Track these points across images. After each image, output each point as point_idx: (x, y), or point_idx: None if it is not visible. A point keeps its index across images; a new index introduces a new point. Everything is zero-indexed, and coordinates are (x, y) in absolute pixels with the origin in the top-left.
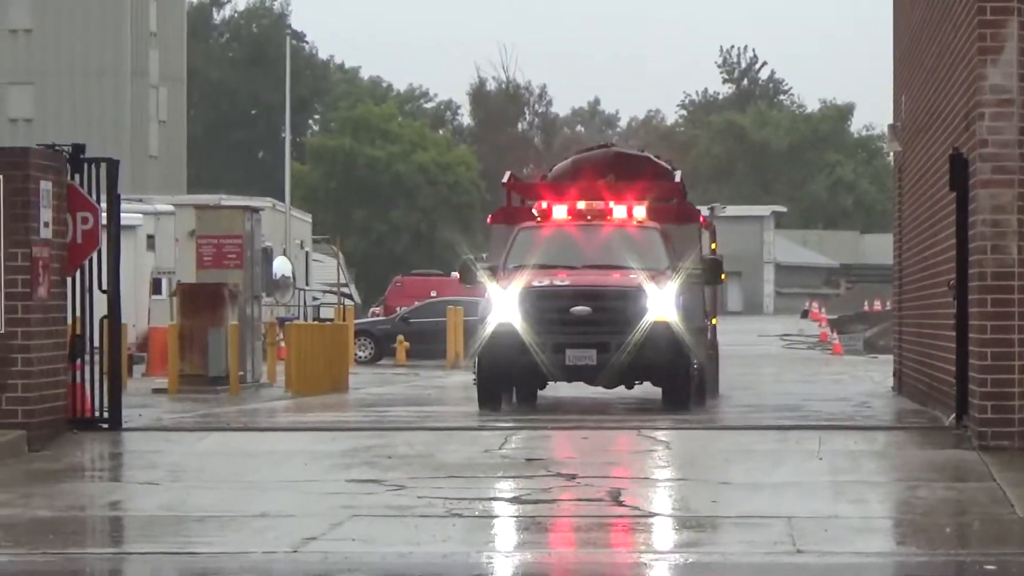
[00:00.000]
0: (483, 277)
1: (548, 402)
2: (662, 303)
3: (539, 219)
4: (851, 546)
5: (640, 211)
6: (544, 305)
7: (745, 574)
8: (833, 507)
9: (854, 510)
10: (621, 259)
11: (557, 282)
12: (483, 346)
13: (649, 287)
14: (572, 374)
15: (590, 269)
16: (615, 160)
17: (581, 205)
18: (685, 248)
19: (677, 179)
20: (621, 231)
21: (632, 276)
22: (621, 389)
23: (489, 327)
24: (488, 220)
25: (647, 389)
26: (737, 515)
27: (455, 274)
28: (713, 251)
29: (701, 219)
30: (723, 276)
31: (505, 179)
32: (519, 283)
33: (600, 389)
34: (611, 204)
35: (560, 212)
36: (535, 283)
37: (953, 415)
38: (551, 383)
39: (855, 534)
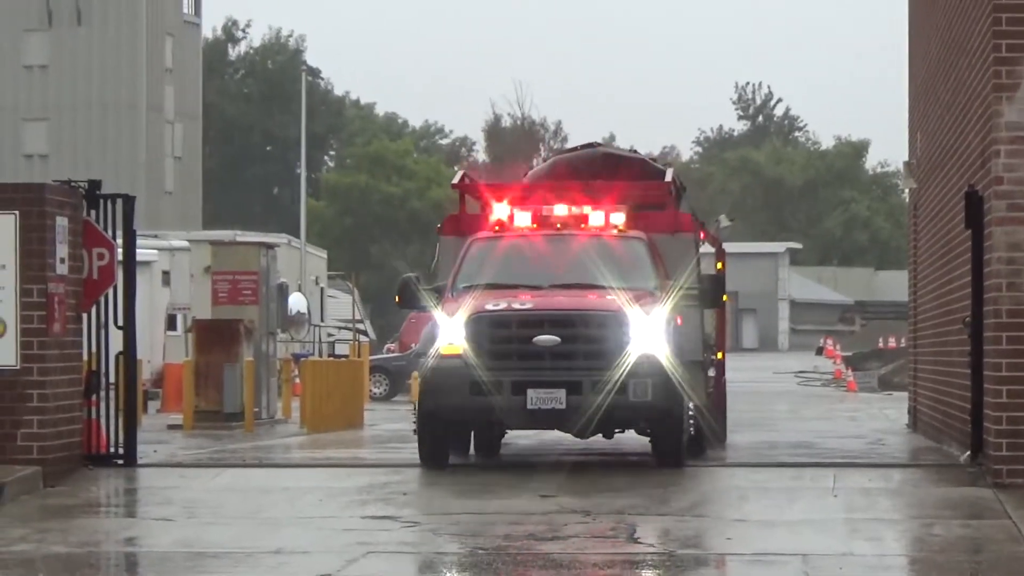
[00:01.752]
0: (427, 300)
1: (512, 451)
2: (648, 331)
3: (497, 228)
4: None
5: (619, 217)
6: (500, 334)
7: None
8: (848, 544)
9: (869, 548)
10: (598, 277)
11: (517, 305)
12: (425, 385)
13: (632, 311)
14: (536, 420)
15: (558, 289)
16: (603, 161)
17: (548, 211)
18: (678, 263)
19: (668, 178)
20: (598, 242)
21: (611, 298)
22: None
23: (432, 362)
24: (437, 230)
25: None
26: (752, 552)
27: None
28: (719, 271)
29: (699, 229)
30: (725, 297)
31: (456, 180)
32: (470, 307)
33: (573, 436)
34: (586, 209)
35: (523, 219)
36: (489, 306)
37: (968, 452)
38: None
39: (870, 572)
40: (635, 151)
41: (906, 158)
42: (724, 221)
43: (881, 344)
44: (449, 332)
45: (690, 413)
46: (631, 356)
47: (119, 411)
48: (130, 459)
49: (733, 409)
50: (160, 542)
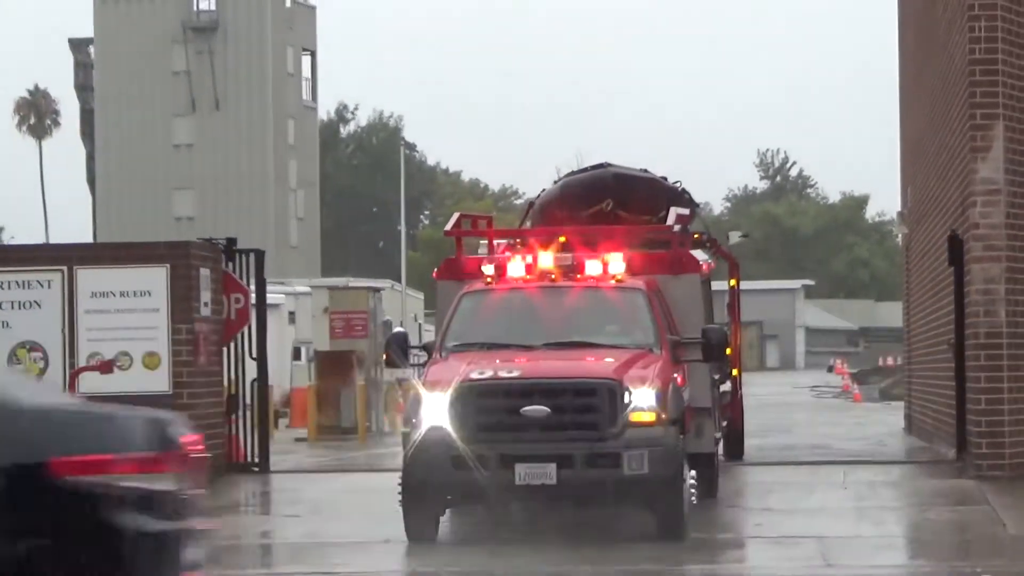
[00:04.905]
0: (414, 360)
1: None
2: (644, 397)
3: (488, 280)
4: (872, 560)
5: (618, 266)
6: (486, 404)
7: None
8: (857, 528)
9: (874, 530)
10: (593, 333)
11: (503, 372)
12: (409, 457)
13: (627, 376)
14: (524, 496)
15: (551, 350)
16: (613, 183)
17: (542, 259)
18: (686, 304)
19: (671, 220)
20: (594, 294)
21: (605, 361)
22: None
23: (417, 432)
24: (434, 275)
25: None
26: (777, 535)
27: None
28: (732, 287)
29: (705, 266)
30: (728, 351)
31: (450, 226)
32: (454, 373)
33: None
34: (582, 257)
35: (516, 269)
36: (474, 374)
37: (955, 451)
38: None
39: (875, 550)
40: (646, 171)
41: (899, 208)
42: (734, 237)
43: (881, 362)
44: (434, 400)
45: (692, 482)
46: (625, 426)
47: (254, 427)
48: (264, 467)
49: (760, 417)
50: (290, 535)
